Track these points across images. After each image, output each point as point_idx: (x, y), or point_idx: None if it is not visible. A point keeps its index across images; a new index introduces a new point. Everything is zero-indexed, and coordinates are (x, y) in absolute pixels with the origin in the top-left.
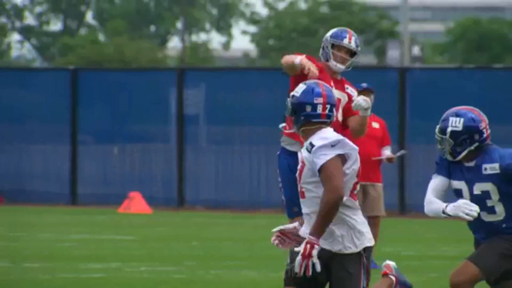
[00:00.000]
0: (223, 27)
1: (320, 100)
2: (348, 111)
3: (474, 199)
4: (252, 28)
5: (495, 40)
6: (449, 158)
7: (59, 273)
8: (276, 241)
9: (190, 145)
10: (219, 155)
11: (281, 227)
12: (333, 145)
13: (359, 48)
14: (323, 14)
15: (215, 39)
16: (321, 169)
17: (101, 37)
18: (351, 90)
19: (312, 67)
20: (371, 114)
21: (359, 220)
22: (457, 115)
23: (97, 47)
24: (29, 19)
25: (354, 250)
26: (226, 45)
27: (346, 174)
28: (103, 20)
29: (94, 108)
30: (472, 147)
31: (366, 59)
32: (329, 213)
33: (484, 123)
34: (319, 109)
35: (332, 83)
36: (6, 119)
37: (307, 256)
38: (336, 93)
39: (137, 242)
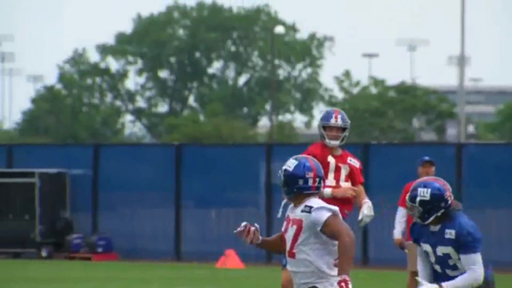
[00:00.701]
0: (305, 108)
1: (310, 174)
2: (353, 180)
3: (438, 260)
4: None
5: None
6: (420, 222)
7: None
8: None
9: (277, 210)
10: None
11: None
12: (328, 208)
13: (347, 123)
14: (391, 98)
15: (299, 119)
16: (327, 223)
17: (201, 117)
18: (353, 161)
19: (349, 191)
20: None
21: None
22: (424, 186)
23: (198, 126)
24: (140, 102)
25: None
26: (308, 124)
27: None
28: (203, 103)
29: (195, 178)
30: (439, 213)
31: (428, 136)
32: (351, 252)
33: (448, 192)
34: (310, 182)
35: (329, 159)
36: (121, 187)
37: None
38: (341, 165)
39: None
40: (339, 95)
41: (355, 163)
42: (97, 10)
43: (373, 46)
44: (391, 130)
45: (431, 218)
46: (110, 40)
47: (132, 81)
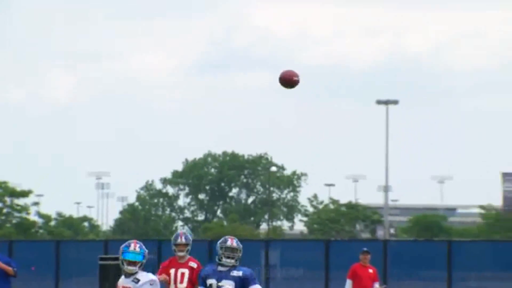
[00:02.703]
0: (290, 218)
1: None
2: (193, 280)
3: None
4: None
5: (436, 227)
6: None
7: None
8: None
9: None
10: None
11: None
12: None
13: (190, 239)
14: (342, 211)
15: (285, 224)
16: None
17: (225, 223)
18: (193, 264)
19: (162, 278)
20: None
21: None
22: None
23: (222, 228)
24: (187, 213)
25: None
26: (291, 227)
27: None
28: (226, 214)
29: None
30: None
31: (365, 235)
32: None
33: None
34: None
35: (172, 268)
36: None
37: None
38: (181, 269)
39: None
40: (311, 209)
41: (194, 264)
42: (161, 155)
43: (331, 178)
44: (343, 231)
45: None
46: (168, 174)
47: (182, 201)
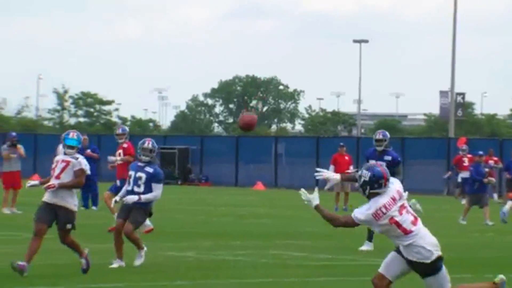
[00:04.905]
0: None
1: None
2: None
3: None
4: None
5: (393, 128)
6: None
7: None
8: None
9: None
10: None
11: None
12: None
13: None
14: (328, 117)
15: None
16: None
17: None
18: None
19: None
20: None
21: None
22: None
23: None
24: None
25: None
26: None
27: None
28: None
29: None
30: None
31: (344, 133)
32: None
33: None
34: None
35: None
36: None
37: None
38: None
39: None
40: (306, 115)
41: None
42: (203, 77)
43: (321, 93)
44: (329, 131)
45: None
46: (208, 90)
47: (217, 109)
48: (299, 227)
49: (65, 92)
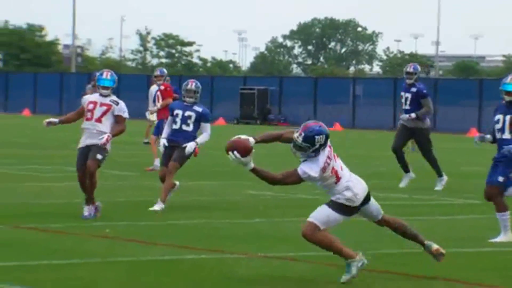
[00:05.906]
0: None
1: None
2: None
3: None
4: None
5: (471, 69)
6: None
7: None
8: None
9: None
10: None
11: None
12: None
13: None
14: (405, 59)
15: None
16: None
17: None
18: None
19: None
20: None
21: None
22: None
23: None
24: None
25: None
26: None
27: None
28: None
29: None
30: None
31: (422, 75)
32: None
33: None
34: None
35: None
36: None
37: None
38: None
39: None
40: (384, 57)
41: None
42: (282, 19)
43: (399, 35)
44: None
45: None
46: (287, 32)
47: (296, 50)
48: (374, 167)
49: (148, 33)
